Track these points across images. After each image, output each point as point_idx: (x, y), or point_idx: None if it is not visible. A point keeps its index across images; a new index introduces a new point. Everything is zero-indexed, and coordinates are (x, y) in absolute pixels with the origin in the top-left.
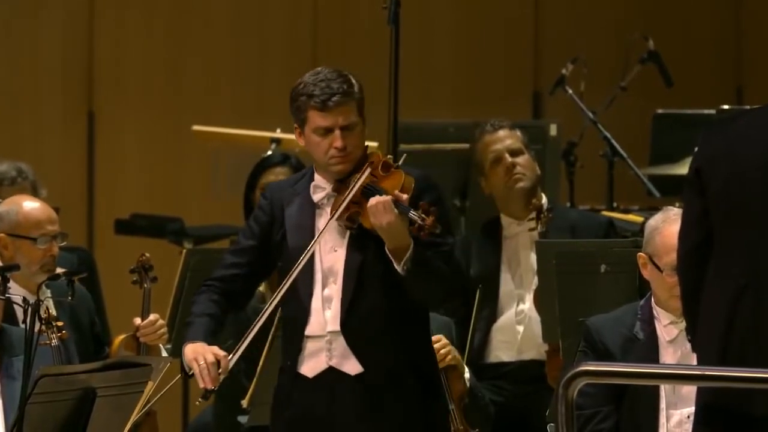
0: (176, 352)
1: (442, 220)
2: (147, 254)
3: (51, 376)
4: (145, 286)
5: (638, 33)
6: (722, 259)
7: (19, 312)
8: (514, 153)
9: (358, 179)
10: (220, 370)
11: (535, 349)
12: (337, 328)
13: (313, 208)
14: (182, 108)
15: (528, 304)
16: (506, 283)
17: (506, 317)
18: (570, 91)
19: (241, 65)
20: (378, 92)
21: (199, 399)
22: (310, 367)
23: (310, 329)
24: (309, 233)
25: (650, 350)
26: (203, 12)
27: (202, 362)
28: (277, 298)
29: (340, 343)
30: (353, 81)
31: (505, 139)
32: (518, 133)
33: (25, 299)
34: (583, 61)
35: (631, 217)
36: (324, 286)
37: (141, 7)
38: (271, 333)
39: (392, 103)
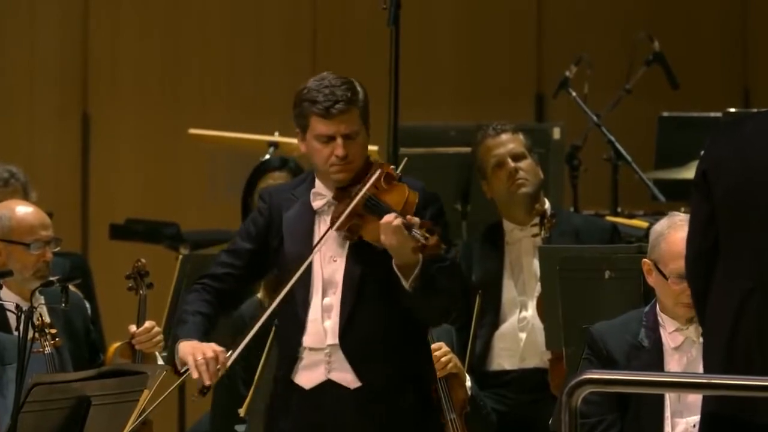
0: (171, 360)
1: (444, 236)
2: (143, 260)
3: (44, 384)
4: (141, 292)
5: (643, 34)
6: (729, 263)
7: (12, 319)
8: (517, 157)
9: (360, 191)
10: (218, 366)
11: (538, 357)
12: (336, 341)
13: (312, 215)
14: (178, 110)
15: (531, 311)
16: (509, 289)
17: (509, 324)
18: (573, 94)
19: (239, 67)
20: (378, 95)
21: (195, 395)
22: (308, 378)
23: (308, 340)
24: (307, 240)
25: (655, 358)
26: (200, 12)
27: (200, 357)
28: (274, 305)
29: (339, 356)
30: (358, 88)
31: (508, 143)
32: (521, 136)
33: (18, 306)
34: (587, 62)
35: (635, 222)
36: (323, 297)
37: (136, 7)
38: (269, 341)
39: (392, 106)
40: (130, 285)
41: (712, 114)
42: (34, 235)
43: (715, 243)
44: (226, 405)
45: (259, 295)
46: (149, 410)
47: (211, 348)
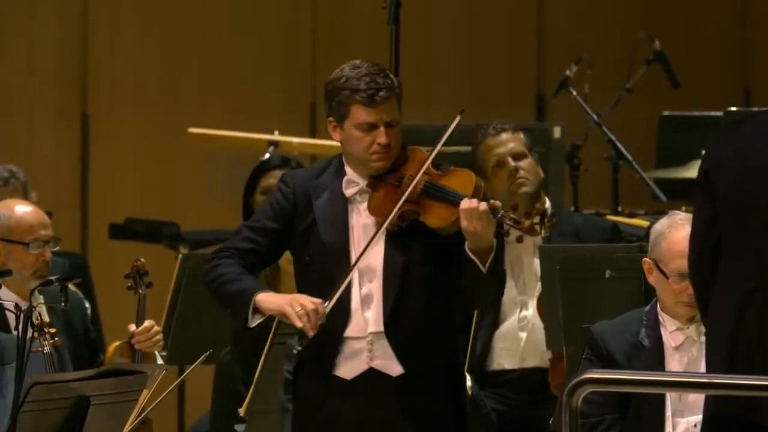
0: (171, 360)
1: None
2: (142, 259)
3: (43, 383)
4: (140, 291)
5: (644, 33)
6: (730, 262)
7: (12, 318)
8: (517, 157)
9: (414, 178)
10: (318, 317)
11: (539, 357)
12: (380, 329)
13: (344, 203)
14: (178, 109)
15: (531, 311)
16: (509, 289)
17: (509, 324)
18: (574, 93)
19: (238, 66)
20: None
21: (297, 347)
22: (349, 369)
23: (349, 330)
24: (343, 229)
25: (656, 357)
26: (199, 12)
27: (299, 308)
28: (336, 296)
29: (382, 344)
30: (392, 76)
31: (508, 142)
32: (521, 135)
33: (17, 305)
34: (587, 62)
35: (636, 221)
36: (360, 285)
37: (136, 7)
38: (269, 341)
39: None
40: (130, 284)
41: (713, 113)
42: (33, 235)
43: (718, 243)
44: (225, 405)
45: None
46: (149, 410)
47: (308, 299)
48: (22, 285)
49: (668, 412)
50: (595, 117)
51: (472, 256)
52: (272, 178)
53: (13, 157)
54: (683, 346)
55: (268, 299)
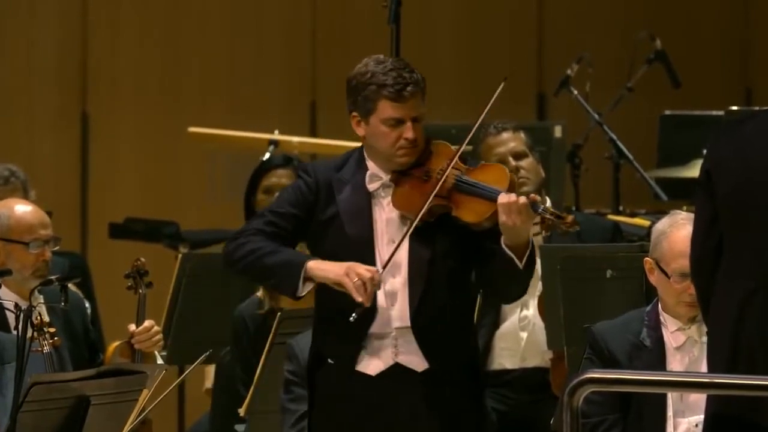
0: (171, 360)
1: None
2: (142, 259)
3: (43, 383)
4: (140, 291)
5: (645, 32)
6: (731, 262)
7: (11, 318)
8: (518, 156)
9: (444, 172)
10: (374, 286)
11: (539, 357)
12: (406, 324)
13: (368, 197)
14: (178, 109)
15: (532, 310)
16: None
17: (509, 324)
18: (575, 92)
19: (238, 65)
20: None
21: (354, 316)
22: (374, 364)
23: (375, 326)
24: (367, 222)
25: (657, 357)
26: (200, 12)
27: (356, 279)
28: (389, 264)
29: (407, 339)
30: (416, 71)
31: (509, 141)
32: (522, 135)
33: (17, 305)
34: (588, 61)
35: (637, 221)
36: (384, 281)
37: (136, 7)
38: (269, 341)
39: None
40: (130, 284)
41: (714, 112)
42: (33, 234)
43: (719, 242)
44: (225, 405)
45: (259, 293)
46: (148, 410)
47: (363, 267)
48: (22, 285)
49: (669, 413)
50: (596, 116)
51: (509, 252)
52: (274, 177)
53: (13, 156)
54: (684, 347)
55: (321, 267)
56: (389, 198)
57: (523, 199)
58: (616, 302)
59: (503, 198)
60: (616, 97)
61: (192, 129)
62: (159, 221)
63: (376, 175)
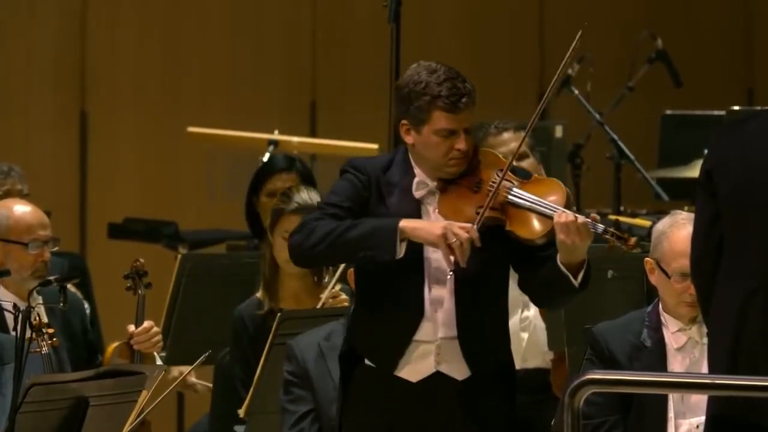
0: (171, 360)
1: None
2: (141, 259)
3: (42, 384)
4: (140, 292)
5: (646, 32)
6: (732, 262)
7: (10, 319)
8: (519, 156)
9: (497, 184)
10: (472, 242)
11: (540, 357)
12: (451, 333)
13: (416, 203)
14: (177, 108)
15: (533, 311)
16: (511, 288)
17: (511, 324)
18: (576, 92)
19: (238, 65)
20: (379, 93)
21: (450, 272)
22: (416, 371)
23: (419, 333)
24: None
25: (658, 358)
26: (200, 12)
27: (454, 239)
28: (482, 219)
29: (451, 347)
30: (468, 80)
31: (510, 141)
32: (523, 135)
33: (15, 305)
34: (589, 60)
35: (638, 221)
36: (430, 289)
37: (136, 7)
38: (269, 341)
39: (393, 105)
40: (129, 285)
41: (716, 112)
42: (32, 235)
43: (720, 242)
44: (225, 405)
45: (259, 294)
46: (148, 411)
47: (457, 226)
48: (21, 285)
49: (671, 413)
50: (597, 116)
51: (565, 271)
52: (279, 182)
53: (12, 156)
54: (685, 347)
55: (416, 225)
56: (435, 205)
57: (582, 219)
58: (617, 303)
59: (562, 217)
60: (617, 96)
61: (192, 129)
62: (158, 221)
63: (423, 182)
